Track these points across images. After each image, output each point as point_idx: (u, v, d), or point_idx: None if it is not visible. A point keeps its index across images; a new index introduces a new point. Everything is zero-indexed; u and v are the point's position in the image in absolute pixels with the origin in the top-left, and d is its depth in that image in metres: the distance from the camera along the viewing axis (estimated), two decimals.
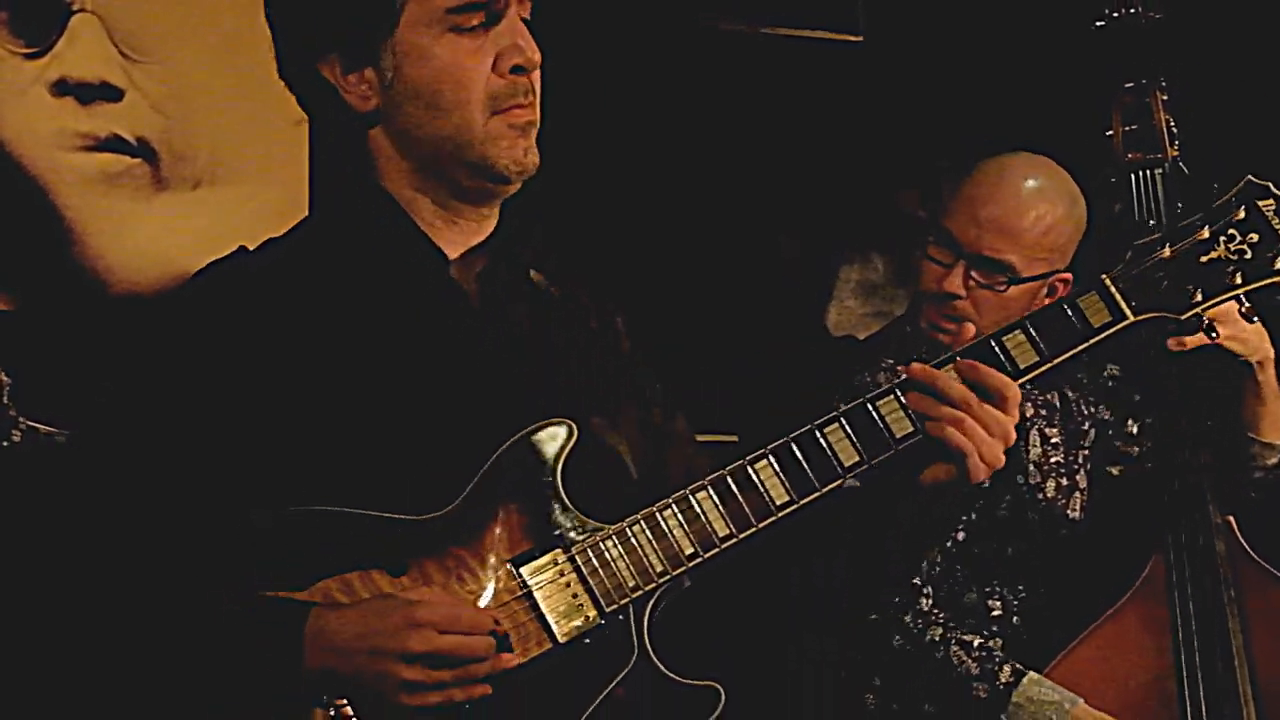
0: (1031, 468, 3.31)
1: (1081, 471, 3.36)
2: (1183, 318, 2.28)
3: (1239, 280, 2.27)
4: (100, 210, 3.69)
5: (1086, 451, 3.38)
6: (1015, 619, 3.29)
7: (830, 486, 2.23)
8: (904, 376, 2.26)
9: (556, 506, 2.20)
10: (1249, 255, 2.27)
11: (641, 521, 2.20)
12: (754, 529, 2.21)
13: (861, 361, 3.34)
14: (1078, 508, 3.34)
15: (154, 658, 2.12)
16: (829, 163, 4.15)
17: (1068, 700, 3.09)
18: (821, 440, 2.22)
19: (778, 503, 2.21)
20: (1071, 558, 3.31)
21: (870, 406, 2.24)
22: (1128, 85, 3.26)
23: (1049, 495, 3.32)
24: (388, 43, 2.22)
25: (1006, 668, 3.13)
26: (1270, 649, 3.16)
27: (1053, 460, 3.34)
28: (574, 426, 2.21)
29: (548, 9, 2.32)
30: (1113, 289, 2.26)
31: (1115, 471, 3.38)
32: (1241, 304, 2.29)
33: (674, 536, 2.19)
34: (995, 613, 3.28)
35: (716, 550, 2.21)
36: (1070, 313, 2.26)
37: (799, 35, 4.14)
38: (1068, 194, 3.25)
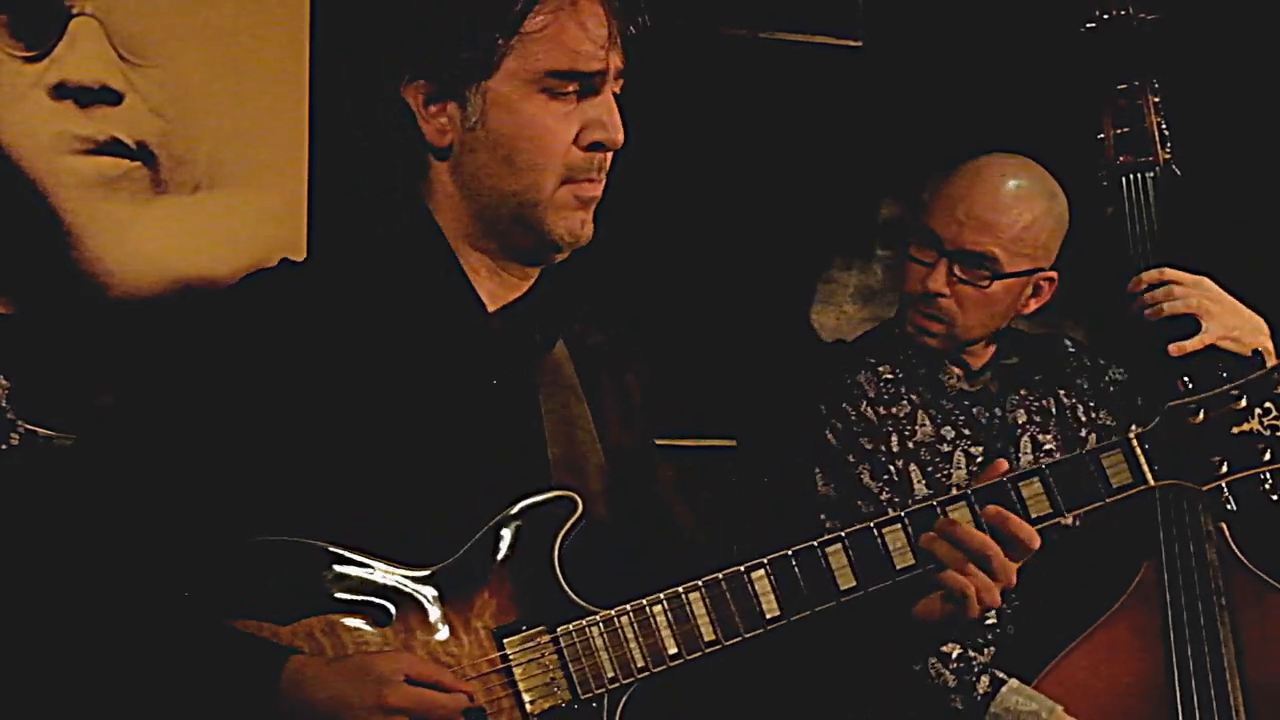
0: None
1: None
2: (1204, 489, 2.28)
3: (1268, 457, 2.26)
4: (99, 214, 3.70)
5: None
6: (1009, 627, 3.28)
7: (822, 607, 2.21)
8: (913, 506, 2.24)
9: (549, 582, 2.19)
10: None
11: (630, 613, 2.19)
12: (739, 638, 2.20)
13: (848, 363, 3.34)
14: (1071, 516, 3.32)
15: (131, 679, 2.11)
16: (827, 167, 4.14)
17: (1045, 709, 3.07)
18: (822, 559, 2.21)
19: (767, 615, 2.21)
20: (1064, 565, 3.29)
21: (876, 532, 2.23)
22: (1119, 88, 3.26)
23: None
24: (480, 86, 2.21)
25: (985, 678, 3.11)
26: (1261, 656, 3.15)
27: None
28: (579, 502, 2.21)
29: None
30: (1138, 450, 2.26)
31: None
32: (1264, 480, 2.30)
33: (660, 634, 2.19)
34: (989, 621, 3.27)
35: (699, 654, 2.20)
36: (1092, 469, 2.25)
37: (799, 40, 4.14)
38: (1047, 191, 3.25)
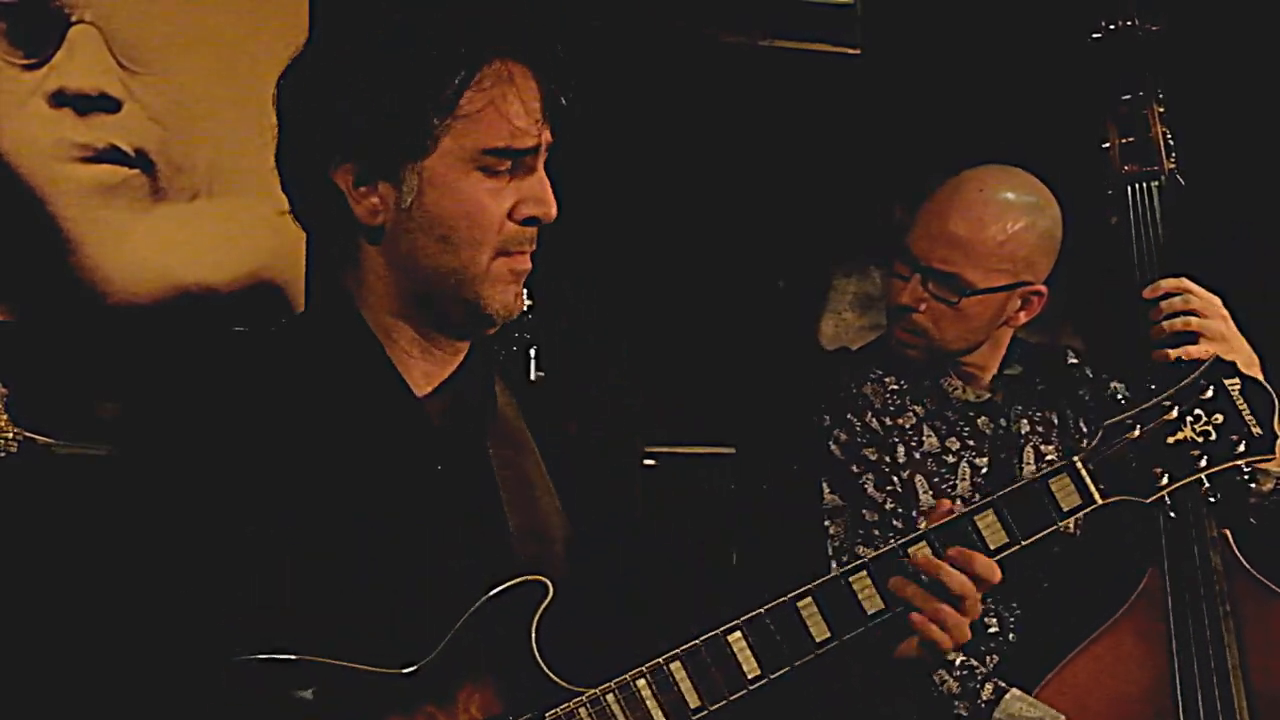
0: None
1: None
2: (1148, 502, 2.33)
3: (1204, 463, 2.33)
4: (98, 221, 3.70)
5: None
6: (1012, 635, 3.29)
7: (801, 661, 2.24)
8: (872, 554, 2.28)
9: (530, 668, 2.18)
10: (1213, 437, 2.33)
11: (615, 690, 2.19)
12: (724, 701, 2.22)
13: (851, 373, 3.34)
14: (1073, 524, 3.33)
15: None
16: (826, 175, 4.15)
17: (1049, 717, 3.08)
18: (794, 614, 2.24)
19: (749, 676, 2.23)
20: (1067, 573, 3.31)
21: (843, 580, 2.26)
22: (1124, 97, 3.25)
23: None
24: (415, 165, 2.18)
25: (988, 686, 3.12)
26: (1266, 662, 3.14)
27: None
28: (549, 585, 2.19)
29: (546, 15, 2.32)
30: (1083, 471, 2.31)
31: None
32: (1203, 484, 2.33)
33: (646, 707, 2.19)
34: (992, 629, 3.28)
35: None
36: (1041, 494, 2.30)
37: (797, 48, 4.15)
38: (1030, 205, 3.24)
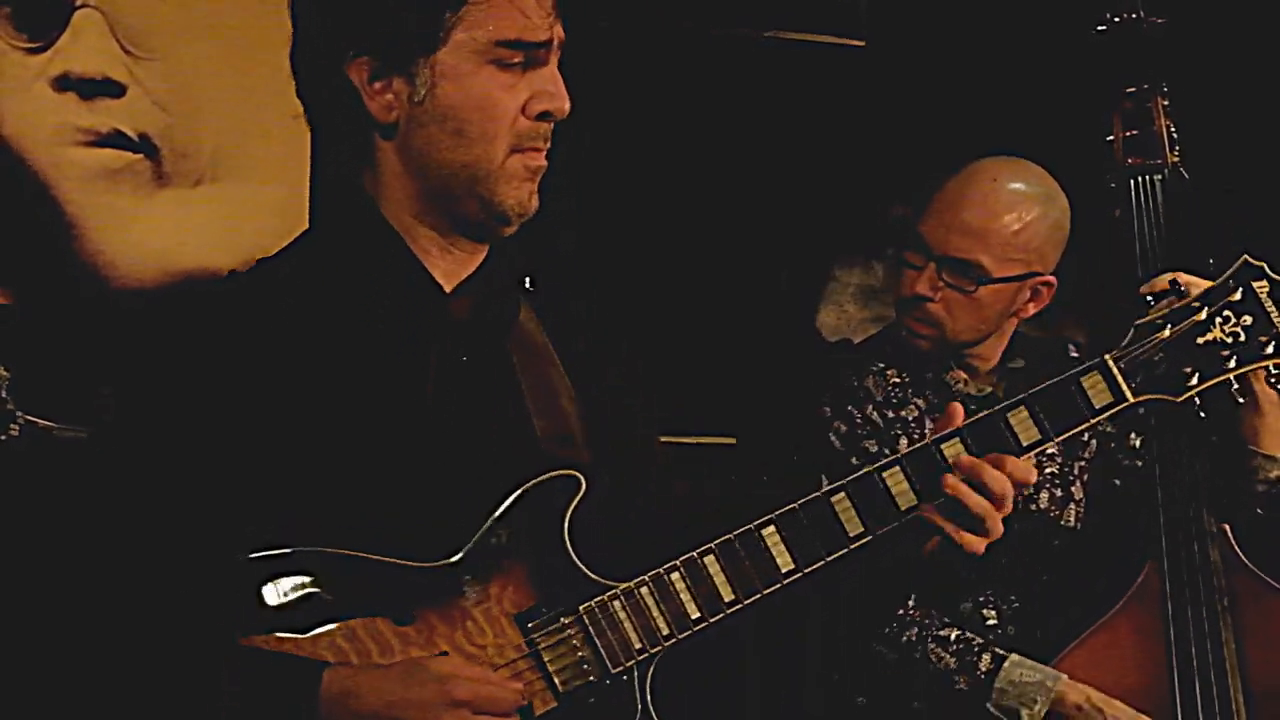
0: None
1: (1078, 483, 3.36)
2: (1179, 400, 2.33)
3: (1232, 364, 2.34)
4: (101, 206, 3.70)
5: (1084, 463, 3.37)
6: (1010, 628, 3.29)
7: (835, 555, 2.24)
8: (909, 449, 2.27)
9: (563, 561, 2.19)
10: (1242, 338, 2.34)
11: (650, 583, 2.20)
12: (759, 594, 2.22)
13: (853, 366, 3.34)
14: (1073, 518, 3.34)
15: (153, 696, 2.10)
16: (829, 166, 4.15)
17: (1050, 678, 3.10)
18: (828, 508, 2.24)
19: (783, 570, 2.23)
20: (1066, 566, 3.31)
21: (877, 476, 2.26)
22: (1129, 91, 3.25)
23: (1042, 506, 3.32)
24: (428, 59, 2.19)
25: (985, 656, 3.13)
26: (1263, 657, 3.15)
27: (1047, 471, 3.34)
28: (581, 479, 2.20)
29: None
30: (1114, 369, 2.30)
31: (1118, 483, 3.37)
32: (1232, 385, 2.34)
33: (681, 599, 2.21)
34: (990, 621, 3.28)
35: (722, 615, 2.22)
36: (1073, 391, 2.30)
37: (802, 39, 4.14)
38: (1042, 195, 3.25)
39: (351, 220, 2.29)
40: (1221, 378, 2.34)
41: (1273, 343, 2.34)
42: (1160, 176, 3.23)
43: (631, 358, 2.48)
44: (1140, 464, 3.34)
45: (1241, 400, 2.38)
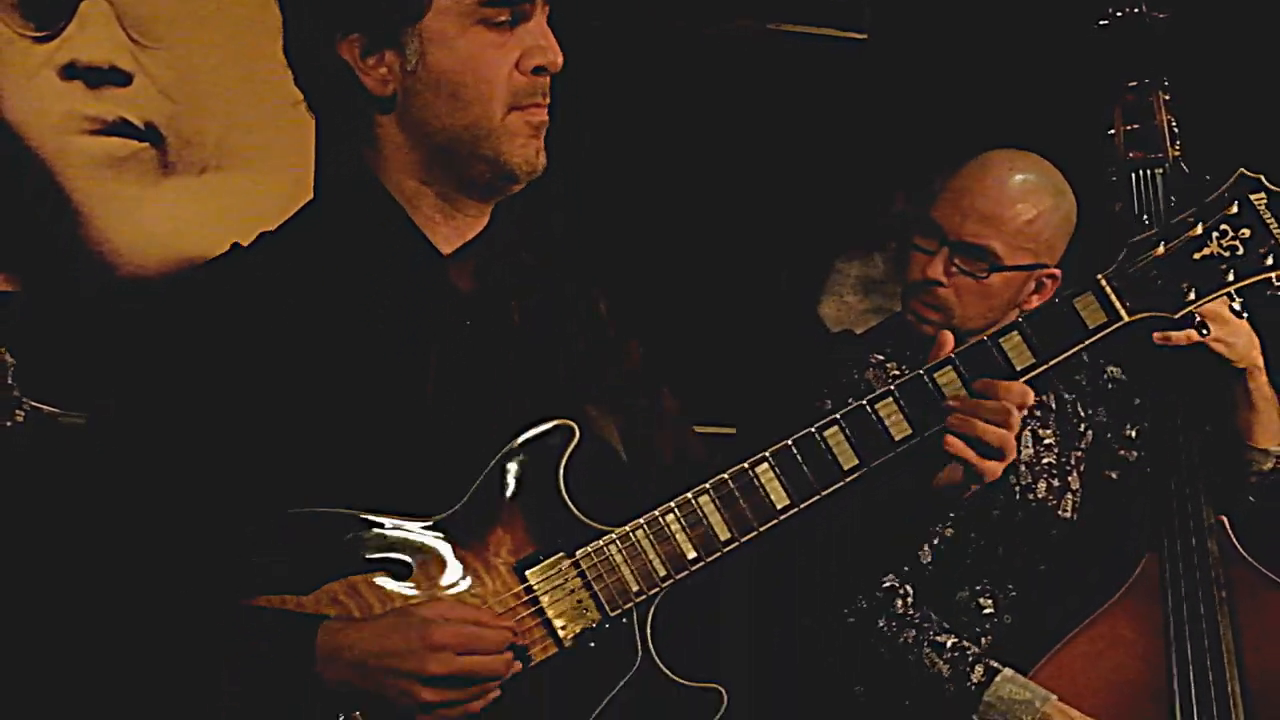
0: (1023, 468, 3.32)
1: (1075, 473, 3.37)
2: (1176, 316, 2.28)
3: (1231, 277, 2.27)
4: (107, 194, 3.71)
5: (1080, 453, 3.38)
6: (1007, 617, 3.30)
7: (830, 489, 2.24)
8: (902, 379, 2.26)
9: (559, 509, 2.21)
10: (1241, 251, 2.27)
11: (644, 525, 2.21)
12: (755, 532, 2.23)
13: (854, 357, 3.35)
14: (1070, 508, 3.35)
15: (159, 662, 2.12)
16: (831, 159, 4.15)
17: (1039, 698, 3.09)
18: (821, 442, 2.24)
19: (778, 506, 2.23)
20: (1064, 557, 3.32)
21: (869, 408, 2.25)
22: (1130, 84, 3.26)
23: (1040, 495, 3.33)
24: (415, 28, 2.20)
25: (979, 668, 3.13)
26: (1261, 649, 3.16)
27: (1044, 461, 3.35)
28: (575, 428, 2.22)
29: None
30: (1108, 289, 2.26)
31: (1114, 475, 3.39)
32: (1233, 299, 2.29)
33: (676, 540, 2.21)
34: (987, 610, 3.29)
35: (719, 554, 2.23)
36: (1066, 313, 2.26)
37: (804, 32, 4.15)
38: (1054, 188, 3.26)
39: (352, 191, 2.31)
40: (1220, 292, 2.27)
41: (1271, 254, 2.27)
42: (1161, 170, 3.23)
43: (632, 349, 2.50)
44: (1137, 454, 3.35)
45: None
